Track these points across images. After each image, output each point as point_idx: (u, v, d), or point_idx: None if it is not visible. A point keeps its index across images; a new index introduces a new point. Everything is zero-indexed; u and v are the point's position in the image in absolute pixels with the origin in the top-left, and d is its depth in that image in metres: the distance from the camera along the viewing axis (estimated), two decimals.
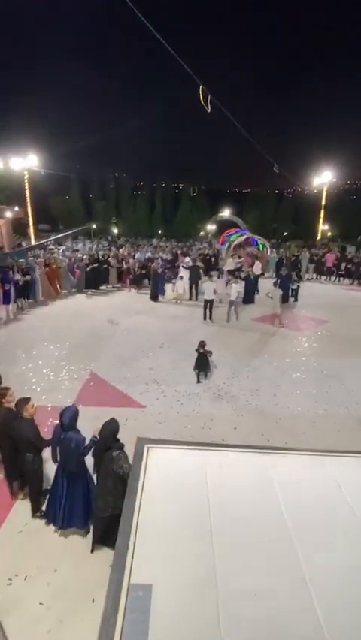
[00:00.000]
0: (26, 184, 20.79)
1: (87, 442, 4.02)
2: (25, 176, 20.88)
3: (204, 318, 11.80)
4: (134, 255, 18.97)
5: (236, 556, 2.01)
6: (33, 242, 25.16)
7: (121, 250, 21.21)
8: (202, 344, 7.95)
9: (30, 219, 22.28)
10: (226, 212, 34.69)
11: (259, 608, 1.74)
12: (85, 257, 17.39)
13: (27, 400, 4.33)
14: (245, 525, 2.21)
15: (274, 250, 22.09)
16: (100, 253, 19.71)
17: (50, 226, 41.98)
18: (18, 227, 31.62)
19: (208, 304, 11.67)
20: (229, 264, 17.57)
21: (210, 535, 2.10)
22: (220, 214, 34.15)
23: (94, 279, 15.91)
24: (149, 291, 15.02)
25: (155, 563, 1.93)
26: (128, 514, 2.21)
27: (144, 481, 2.48)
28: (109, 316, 12.12)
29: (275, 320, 11.48)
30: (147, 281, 16.23)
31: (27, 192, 20.94)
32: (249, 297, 14.16)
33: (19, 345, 9.64)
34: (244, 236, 23.28)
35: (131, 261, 17.48)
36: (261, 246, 22.07)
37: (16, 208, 30.55)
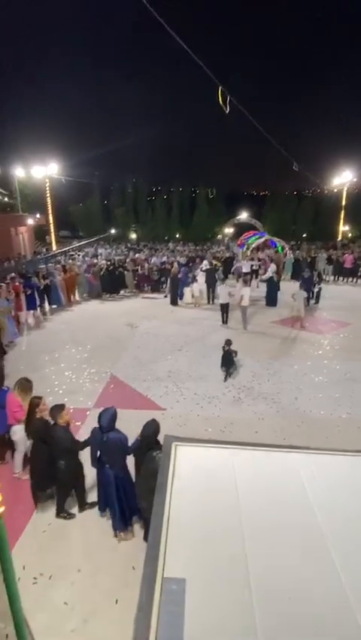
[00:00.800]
0: (47, 191, 21.31)
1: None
2: (47, 184, 21.41)
3: (223, 322, 11.71)
4: (150, 260, 19.06)
5: (269, 555, 2.00)
6: (55, 248, 25.75)
7: (137, 255, 21.41)
8: (228, 342, 8.19)
9: (51, 226, 22.82)
10: (243, 215, 34.54)
11: (295, 607, 1.73)
12: (102, 262, 17.60)
13: (62, 407, 4.38)
14: (277, 524, 2.19)
15: (290, 252, 21.73)
16: (116, 258, 19.91)
17: (69, 232, 42.90)
18: (39, 234, 32.50)
19: (225, 308, 11.57)
20: (244, 266, 17.33)
21: (242, 533, 2.10)
22: (238, 217, 34.03)
23: (110, 284, 15.96)
24: (165, 295, 15.11)
25: (188, 557, 1.95)
26: (159, 510, 2.23)
27: (173, 478, 2.50)
28: (128, 320, 12.22)
29: (297, 323, 11.27)
30: (163, 285, 16.27)
31: (48, 200, 21.46)
32: (271, 299, 13.98)
33: (42, 348, 9.86)
34: (263, 239, 23.11)
35: (146, 265, 17.57)
36: (280, 248, 21.83)
37: (38, 215, 31.44)
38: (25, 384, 5.17)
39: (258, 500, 2.36)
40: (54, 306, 13.78)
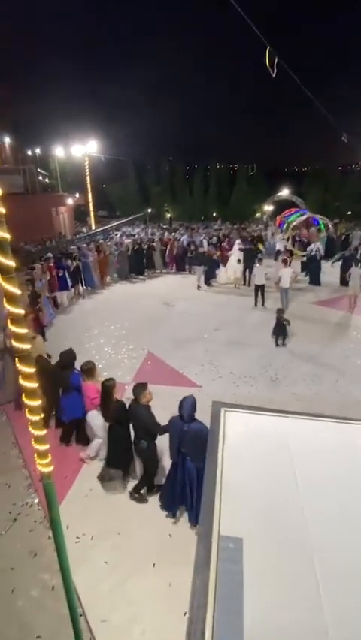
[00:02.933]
0: (87, 170, 21.39)
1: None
2: (86, 163, 21.48)
3: (255, 304, 11.17)
4: (179, 239, 18.28)
5: (328, 520, 1.99)
6: (93, 228, 26.12)
7: (166, 234, 21.04)
8: (280, 311, 8.59)
9: (90, 206, 23.04)
10: (284, 192, 33.05)
11: (358, 568, 1.71)
12: (127, 242, 16.93)
13: (145, 385, 4.25)
14: (335, 492, 2.18)
15: (324, 231, 20.47)
16: (143, 237, 19.17)
17: (107, 212, 43.28)
18: (78, 214, 33.05)
19: (260, 289, 11.07)
20: (278, 244, 16.39)
21: (300, 498, 2.10)
22: (278, 194, 32.62)
23: (137, 264, 15.50)
24: (195, 275, 14.72)
25: (243, 518, 1.97)
26: (211, 471, 2.26)
27: (224, 441, 2.51)
28: (162, 300, 12.21)
29: (351, 301, 10.59)
30: (190, 266, 15.78)
31: (88, 178, 21.55)
32: (314, 278, 13.39)
33: (80, 326, 10.19)
34: (304, 216, 22.05)
35: (176, 244, 16.98)
36: (323, 226, 20.75)
37: (77, 195, 31.87)
38: (91, 369, 4.94)
39: (314, 468, 2.34)
40: (87, 288, 13.58)
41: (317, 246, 14.78)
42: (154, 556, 3.76)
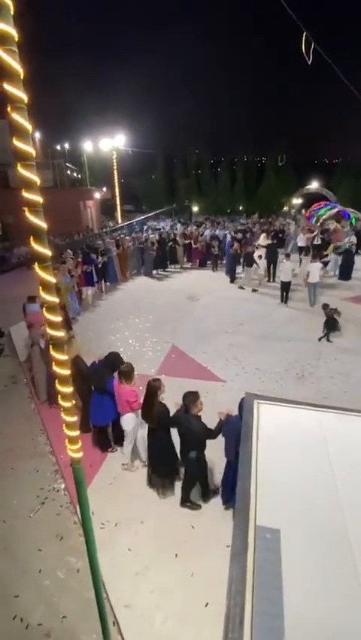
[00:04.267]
0: (114, 164, 21.53)
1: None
2: (114, 157, 21.64)
3: (281, 300, 10.92)
4: (202, 233, 17.87)
5: None
6: (120, 222, 26.34)
7: (190, 228, 20.81)
8: (326, 306, 8.62)
9: (117, 200, 23.20)
10: (314, 185, 32.14)
11: None
12: (151, 236, 16.58)
13: (196, 395, 4.00)
14: None
15: (346, 223, 19.68)
16: (168, 232, 18.74)
17: (132, 206, 43.51)
18: (105, 208, 33.42)
19: (286, 286, 10.74)
20: (300, 240, 15.84)
21: (337, 491, 2.07)
22: (307, 187, 31.74)
23: (160, 259, 15.20)
24: (217, 270, 14.64)
25: (280, 509, 1.96)
26: (246, 462, 2.25)
27: (258, 434, 2.51)
28: (185, 294, 12.14)
29: None
30: (211, 261, 15.64)
31: (115, 172, 21.70)
32: (346, 272, 12.98)
33: (105, 320, 10.34)
34: (335, 210, 21.36)
35: (199, 239, 16.62)
36: (354, 220, 20.05)
37: (104, 189, 32.21)
38: (130, 372, 4.67)
39: (352, 463, 2.30)
40: (108, 284, 13.29)
41: (351, 239, 14.28)
42: (176, 546, 3.80)
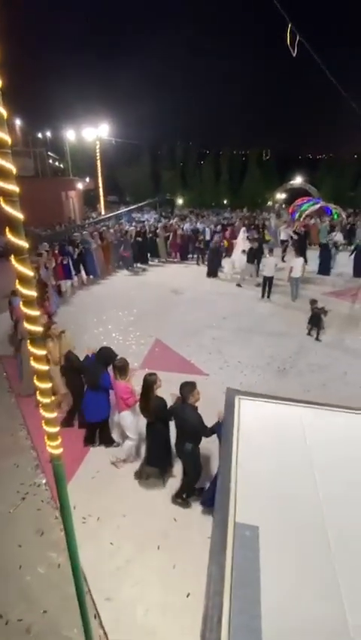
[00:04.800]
0: (97, 154, 21.11)
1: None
2: (97, 146, 21.21)
3: (263, 295, 10.92)
4: (182, 227, 17.63)
5: (344, 509, 1.99)
6: (103, 213, 25.91)
7: (172, 221, 20.61)
8: (314, 302, 8.47)
9: (100, 191, 22.78)
10: (297, 180, 32.43)
11: None
12: (130, 229, 16.35)
13: (193, 385, 4.01)
14: (353, 482, 2.17)
15: (326, 219, 20.04)
16: (149, 225, 18.43)
17: (117, 198, 42.90)
18: (88, 199, 32.80)
19: (268, 281, 10.78)
20: (282, 234, 15.85)
21: (315, 484, 2.11)
22: (291, 182, 32.00)
23: (140, 252, 14.91)
24: (202, 264, 14.53)
25: (259, 506, 1.98)
26: (226, 459, 2.27)
27: (238, 428, 2.52)
28: (168, 288, 12.07)
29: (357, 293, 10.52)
30: (193, 255, 15.63)
31: (98, 163, 21.28)
32: (324, 267, 13.23)
33: (85, 314, 10.21)
34: (317, 205, 21.66)
35: (179, 232, 16.37)
36: (336, 215, 20.40)
37: (87, 179, 31.58)
38: (124, 366, 4.59)
39: (330, 458, 2.34)
40: (90, 277, 13.05)
41: (337, 237, 14.55)
42: (159, 538, 3.82)
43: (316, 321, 8.39)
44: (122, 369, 4.57)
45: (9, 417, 5.82)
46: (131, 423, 4.65)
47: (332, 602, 1.55)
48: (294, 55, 4.18)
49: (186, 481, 4.22)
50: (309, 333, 8.49)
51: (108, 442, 5.14)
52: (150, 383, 4.26)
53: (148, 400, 4.26)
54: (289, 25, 4.01)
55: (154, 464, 4.46)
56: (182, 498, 4.24)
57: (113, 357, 4.79)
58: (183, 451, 4.03)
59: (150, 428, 4.41)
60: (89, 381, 4.91)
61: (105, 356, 4.84)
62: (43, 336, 5.00)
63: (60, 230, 19.85)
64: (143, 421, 4.55)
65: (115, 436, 5.19)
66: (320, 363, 7.31)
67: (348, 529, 1.87)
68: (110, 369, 4.76)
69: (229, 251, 14.61)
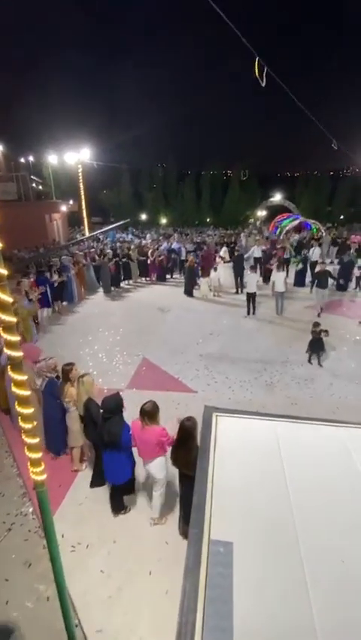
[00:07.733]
0: (80, 177, 21.45)
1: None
2: (79, 170, 21.56)
3: (248, 312, 10.97)
4: (158, 247, 16.93)
5: (318, 524, 2.00)
6: (87, 234, 26.02)
7: (144, 241, 20.50)
8: (316, 324, 7.94)
9: (84, 212, 23.03)
10: (277, 197, 33.39)
11: (347, 571, 1.73)
12: (107, 251, 15.81)
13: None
14: (325, 496, 2.19)
15: (296, 234, 20.70)
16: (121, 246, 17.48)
17: (101, 218, 43.32)
18: (73, 221, 33.05)
19: (251, 297, 10.88)
20: (256, 251, 15.66)
21: (290, 503, 2.11)
22: (271, 199, 32.94)
23: (115, 275, 14.53)
24: (174, 284, 14.60)
25: (234, 523, 1.98)
26: (202, 476, 2.26)
27: (215, 447, 2.52)
28: (152, 308, 12.03)
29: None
30: (172, 274, 15.84)
31: (81, 185, 21.61)
32: (299, 280, 13.70)
33: (67, 344, 10.14)
34: (297, 221, 22.33)
35: (155, 253, 15.82)
36: (315, 230, 21.03)
37: (71, 202, 31.89)
38: (154, 412, 3.95)
39: (304, 471, 2.36)
40: (64, 304, 12.22)
41: (315, 252, 14.95)
42: (150, 563, 3.73)
43: (317, 346, 7.85)
44: (152, 414, 3.87)
45: None
46: (163, 467, 4.02)
47: (304, 617, 1.55)
48: (263, 85, 4.43)
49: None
50: (310, 361, 7.93)
51: (120, 506, 4.39)
52: (189, 429, 3.59)
53: (189, 450, 3.56)
54: (257, 59, 4.26)
55: (187, 518, 3.67)
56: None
57: (121, 402, 4.20)
58: None
59: (187, 481, 3.56)
60: (109, 442, 4.07)
61: (110, 405, 4.17)
62: (65, 380, 4.72)
63: (43, 252, 19.78)
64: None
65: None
66: (305, 375, 7.40)
67: (321, 545, 1.88)
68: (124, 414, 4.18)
69: (203, 270, 14.75)
